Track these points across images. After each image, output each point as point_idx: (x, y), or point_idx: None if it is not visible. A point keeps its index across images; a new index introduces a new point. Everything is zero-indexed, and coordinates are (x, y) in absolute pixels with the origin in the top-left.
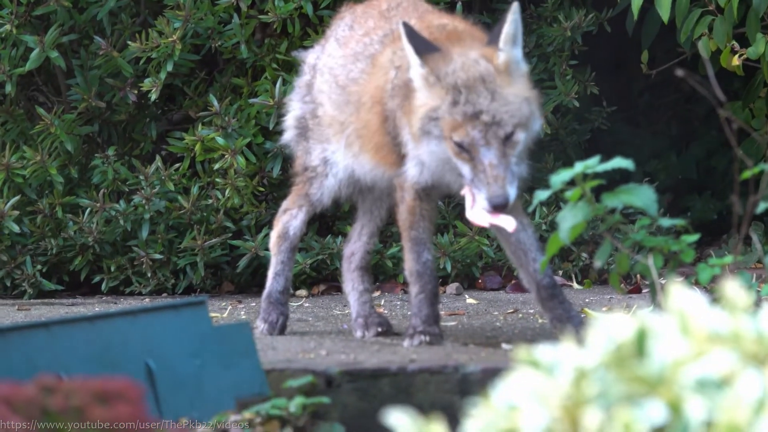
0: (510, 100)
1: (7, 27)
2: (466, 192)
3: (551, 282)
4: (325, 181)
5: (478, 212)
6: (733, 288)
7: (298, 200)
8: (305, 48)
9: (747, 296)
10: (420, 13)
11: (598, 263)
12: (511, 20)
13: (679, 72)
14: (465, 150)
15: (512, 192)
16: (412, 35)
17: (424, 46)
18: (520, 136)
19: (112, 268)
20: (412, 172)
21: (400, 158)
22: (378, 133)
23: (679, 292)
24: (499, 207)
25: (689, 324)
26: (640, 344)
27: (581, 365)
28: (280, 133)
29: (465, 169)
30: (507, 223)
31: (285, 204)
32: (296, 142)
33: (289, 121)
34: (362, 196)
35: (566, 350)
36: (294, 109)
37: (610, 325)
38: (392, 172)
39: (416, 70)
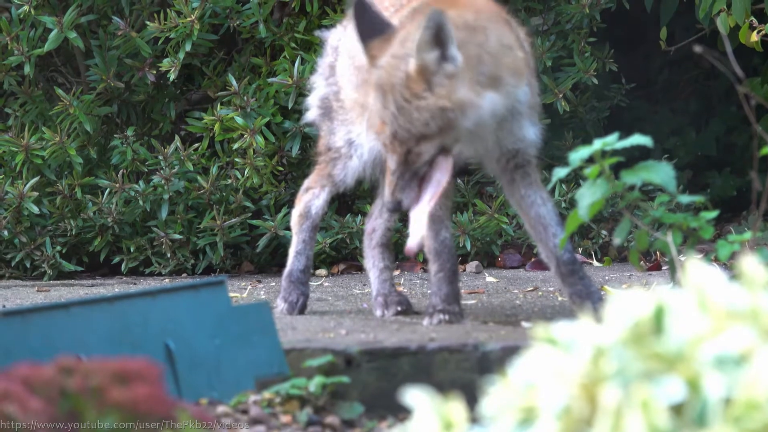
0: (414, 116)
1: (26, 8)
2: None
3: (571, 257)
4: (349, 162)
5: (416, 210)
6: (752, 264)
7: (320, 180)
8: (324, 27)
9: (766, 272)
10: None
11: (617, 240)
12: (423, 27)
13: (698, 48)
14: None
15: (403, 197)
16: (362, 15)
17: (371, 30)
18: (425, 148)
19: (132, 249)
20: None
21: None
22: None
23: (697, 269)
24: (390, 211)
25: (707, 300)
26: (658, 321)
27: (599, 343)
28: (299, 112)
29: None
30: (412, 237)
31: (307, 183)
32: (320, 121)
33: (313, 100)
34: (383, 174)
35: (584, 327)
36: (318, 88)
37: (628, 302)
38: None
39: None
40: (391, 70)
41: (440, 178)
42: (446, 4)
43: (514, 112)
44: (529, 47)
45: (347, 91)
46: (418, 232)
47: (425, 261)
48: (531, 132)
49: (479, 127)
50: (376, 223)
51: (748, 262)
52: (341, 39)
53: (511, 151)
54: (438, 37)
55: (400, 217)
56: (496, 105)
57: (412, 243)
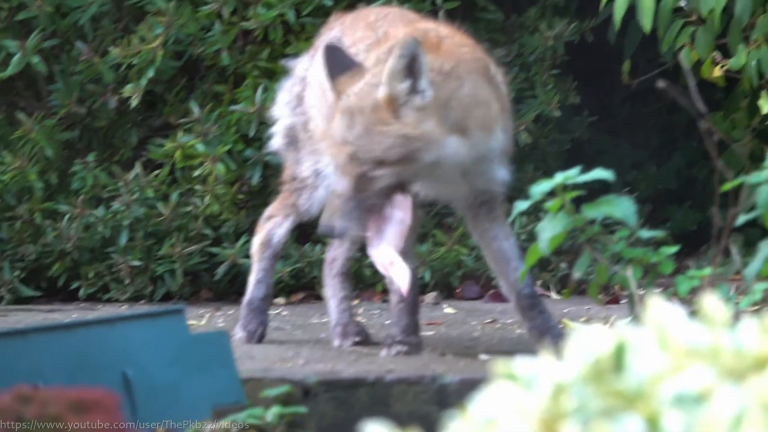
0: (378, 139)
1: None
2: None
3: (531, 291)
4: (315, 193)
5: (380, 250)
6: (712, 302)
7: (284, 209)
8: (287, 56)
9: (726, 310)
10: (406, 23)
11: (577, 274)
12: (397, 56)
13: (661, 83)
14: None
15: (340, 225)
16: (332, 55)
17: (339, 68)
18: (380, 174)
19: (91, 275)
20: None
21: None
22: None
23: (657, 306)
24: (323, 234)
25: (668, 338)
26: (618, 358)
27: (559, 379)
28: (261, 140)
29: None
30: (401, 278)
31: (269, 211)
32: (285, 151)
33: (278, 129)
34: None
35: (544, 363)
36: (284, 117)
37: (589, 338)
38: None
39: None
40: (362, 95)
41: (403, 218)
42: (428, 48)
43: (484, 159)
44: (506, 91)
45: (317, 122)
46: (404, 273)
47: (384, 291)
48: (501, 173)
49: (439, 168)
50: (336, 252)
51: (709, 300)
52: (308, 69)
53: (481, 191)
54: (410, 68)
55: (360, 246)
56: (460, 151)
57: (403, 285)
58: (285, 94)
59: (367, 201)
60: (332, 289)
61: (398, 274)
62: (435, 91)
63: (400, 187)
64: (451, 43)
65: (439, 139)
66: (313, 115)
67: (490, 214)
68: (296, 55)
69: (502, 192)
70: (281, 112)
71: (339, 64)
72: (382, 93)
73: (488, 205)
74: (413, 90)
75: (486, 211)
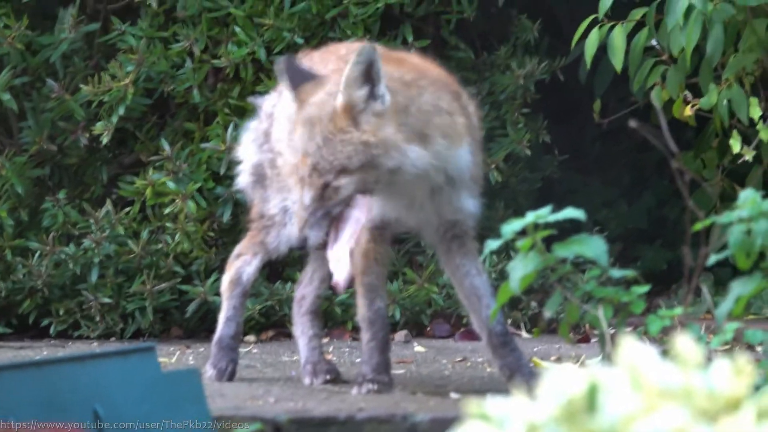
0: (338, 148)
1: None
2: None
3: (503, 329)
4: (283, 230)
5: (334, 249)
6: (684, 342)
7: (253, 247)
8: (258, 93)
9: (698, 351)
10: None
11: (548, 313)
12: (353, 62)
13: (632, 122)
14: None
15: (312, 235)
16: (291, 67)
17: (300, 78)
18: (344, 182)
19: (61, 312)
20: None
21: None
22: None
23: (630, 346)
24: (296, 248)
25: (640, 378)
26: (591, 398)
27: (532, 419)
28: (232, 178)
29: None
30: (340, 274)
31: (238, 249)
32: (253, 189)
33: (245, 167)
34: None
35: (517, 403)
36: (250, 155)
37: (561, 378)
38: None
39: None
40: (322, 105)
41: (359, 217)
42: (391, 62)
43: (452, 180)
44: (477, 123)
45: (286, 156)
46: (344, 268)
47: (354, 329)
48: (470, 204)
49: (401, 176)
50: (305, 290)
51: (681, 340)
52: (276, 105)
53: (450, 221)
54: (368, 74)
55: (328, 285)
56: (421, 159)
57: (340, 279)
58: (251, 132)
59: (334, 208)
60: (302, 327)
61: (340, 270)
62: (393, 97)
63: (365, 192)
64: (417, 62)
65: (400, 145)
66: (282, 149)
67: (461, 249)
68: (267, 92)
69: (473, 226)
70: (247, 150)
71: (299, 75)
72: (339, 101)
73: (460, 239)
74: (371, 96)
75: (457, 246)
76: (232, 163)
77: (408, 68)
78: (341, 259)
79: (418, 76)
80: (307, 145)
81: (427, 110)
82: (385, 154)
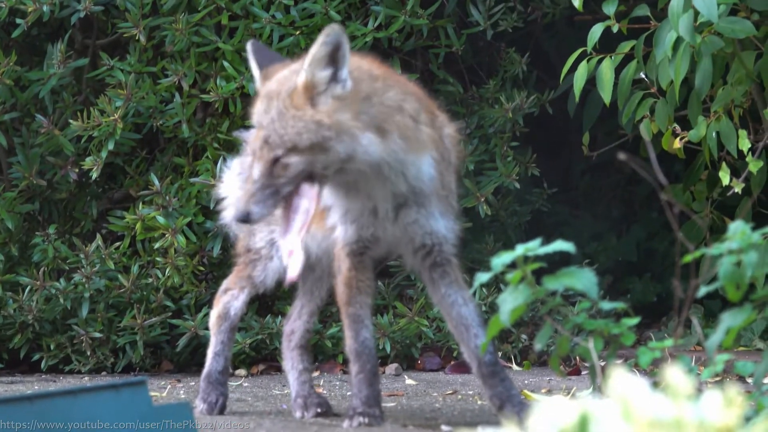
0: (290, 123)
1: None
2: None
3: (493, 359)
4: (270, 264)
5: (286, 240)
6: (675, 374)
7: (239, 281)
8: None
9: (689, 382)
10: None
11: (538, 346)
12: (320, 42)
13: (621, 155)
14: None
15: (255, 210)
16: (259, 51)
17: (268, 61)
18: (292, 160)
19: (52, 347)
20: (338, 230)
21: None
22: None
23: (620, 378)
24: (239, 220)
25: (631, 410)
26: (582, 430)
27: None
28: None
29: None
30: (291, 267)
31: (226, 283)
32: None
33: (231, 201)
34: (303, 276)
35: None
36: (235, 189)
37: (552, 409)
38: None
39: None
40: (283, 81)
41: (308, 207)
42: (369, 61)
43: (415, 192)
44: (452, 145)
45: None
46: (297, 261)
47: (345, 362)
48: (441, 225)
49: (353, 164)
50: (295, 324)
51: (672, 373)
52: None
53: (424, 246)
54: (333, 56)
55: (320, 318)
56: (374, 149)
57: (292, 274)
58: (235, 167)
59: (282, 187)
60: (291, 361)
61: (293, 262)
62: (357, 84)
63: (314, 176)
64: (399, 77)
65: (353, 132)
66: None
67: (444, 278)
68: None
69: (452, 253)
70: (231, 185)
71: (267, 57)
72: (301, 78)
73: (441, 268)
74: (334, 78)
75: (440, 276)
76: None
77: (383, 69)
78: (294, 252)
79: (388, 76)
80: (262, 118)
81: (390, 105)
82: (336, 138)
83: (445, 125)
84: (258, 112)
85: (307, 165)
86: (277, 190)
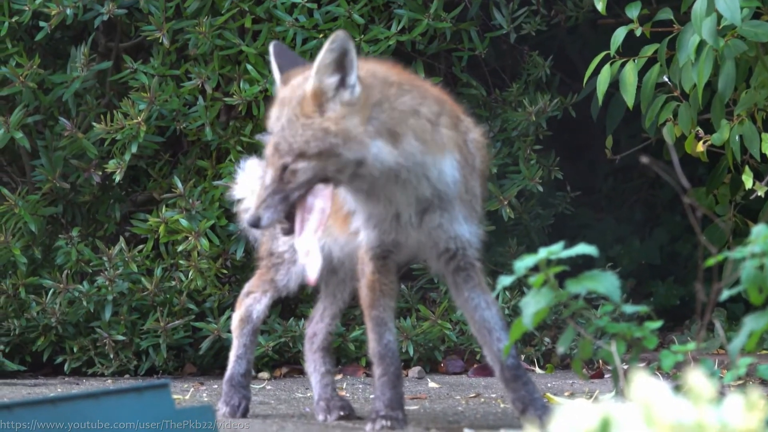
0: (299, 132)
1: None
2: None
3: (515, 363)
4: (293, 268)
5: (301, 239)
6: (697, 377)
7: (262, 285)
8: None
9: (711, 386)
10: None
11: (561, 349)
12: (327, 49)
13: (644, 158)
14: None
15: (265, 215)
16: (281, 53)
17: (289, 65)
18: (300, 167)
19: (75, 349)
20: (362, 234)
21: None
22: (342, 207)
23: (643, 381)
24: (250, 225)
25: (653, 414)
26: None
27: None
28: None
29: None
30: (309, 267)
31: (248, 287)
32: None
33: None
34: (326, 279)
35: None
36: (253, 191)
37: (574, 413)
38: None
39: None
40: (295, 88)
41: (323, 207)
42: (386, 67)
43: (440, 195)
44: (476, 150)
45: None
46: (315, 262)
47: (368, 365)
48: (465, 230)
49: (367, 169)
50: (317, 327)
51: (695, 376)
52: None
53: (448, 250)
54: (340, 62)
55: (343, 321)
56: (387, 156)
57: (311, 275)
58: (251, 168)
59: (292, 193)
60: (314, 364)
61: (311, 263)
62: (367, 90)
63: (327, 180)
64: (421, 82)
65: (362, 139)
66: None
67: (468, 282)
68: None
69: (476, 257)
70: (246, 186)
71: (289, 60)
72: (309, 85)
73: (465, 272)
74: (342, 85)
75: (463, 280)
76: None
77: (401, 74)
78: (311, 251)
79: (405, 81)
80: (274, 125)
81: (403, 110)
82: (344, 145)
83: (470, 130)
84: (271, 118)
85: (317, 171)
86: (287, 196)
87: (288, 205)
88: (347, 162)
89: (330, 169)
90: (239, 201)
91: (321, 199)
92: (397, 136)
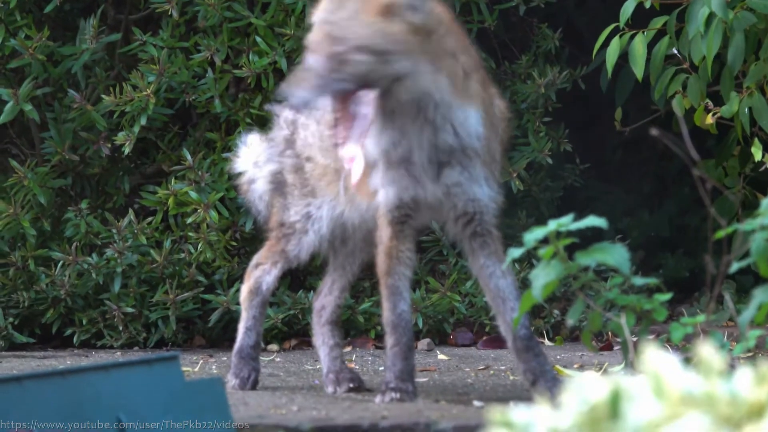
0: (364, 25)
1: None
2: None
3: (528, 334)
4: (304, 238)
5: (347, 148)
6: (707, 350)
7: (272, 256)
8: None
9: (720, 358)
10: None
11: (570, 321)
12: None
13: (653, 130)
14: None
15: (301, 97)
16: None
17: None
18: (355, 58)
19: (84, 322)
20: (380, 194)
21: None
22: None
23: (652, 353)
24: (284, 99)
25: (663, 386)
26: (614, 406)
27: (555, 427)
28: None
29: None
30: (354, 172)
31: (257, 258)
32: (270, 197)
33: (262, 175)
34: (335, 250)
35: (540, 411)
36: (268, 164)
37: (584, 385)
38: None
39: None
40: None
41: (365, 113)
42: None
43: (462, 142)
44: (499, 112)
45: (317, 159)
46: (359, 167)
47: (377, 337)
48: (485, 193)
49: (402, 88)
50: (326, 300)
51: (705, 348)
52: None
53: (466, 213)
54: None
55: (353, 293)
56: (425, 80)
57: (355, 179)
58: (271, 141)
59: (334, 84)
60: (322, 337)
61: (355, 168)
62: (424, 21)
63: (365, 86)
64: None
65: (414, 56)
66: (312, 153)
67: (484, 249)
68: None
69: (493, 224)
70: (263, 158)
71: None
72: None
73: (482, 238)
74: (410, 6)
75: (479, 246)
76: None
77: (451, 19)
78: (356, 158)
79: (454, 27)
80: (330, 16)
81: (445, 49)
82: (398, 54)
83: (496, 98)
84: (325, 9)
85: (366, 68)
86: (327, 84)
87: (324, 94)
88: (393, 71)
89: (375, 72)
90: (241, 174)
91: (364, 105)
92: (436, 68)
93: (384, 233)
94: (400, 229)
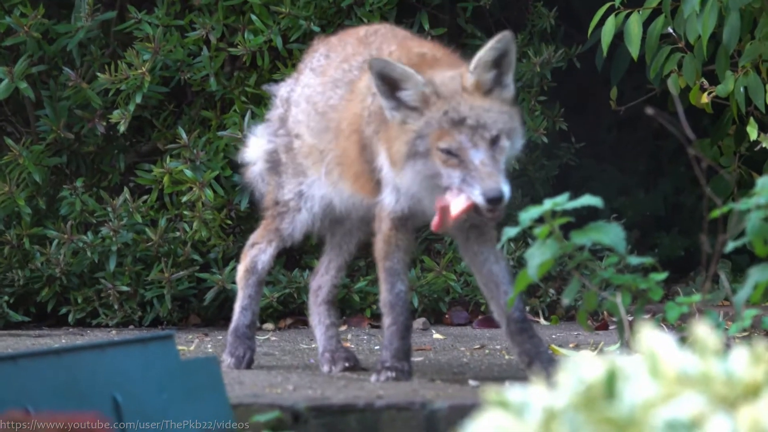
0: (488, 107)
1: None
2: (447, 195)
3: (521, 316)
4: (297, 216)
5: (455, 201)
6: (703, 329)
7: (267, 235)
8: (274, 81)
9: (716, 338)
10: (399, 40)
11: (566, 300)
12: (488, 48)
13: (649, 109)
14: (453, 155)
15: (506, 189)
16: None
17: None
18: (506, 143)
19: (79, 300)
20: (388, 200)
21: (377, 186)
22: (356, 162)
23: (648, 333)
24: (494, 201)
25: (659, 365)
26: (609, 385)
27: (551, 406)
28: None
29: (455, 174)
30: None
31: (253, 237)
32: (267, 176)
33: (256, 154)
34: (332, 230)
35: (536, 391)
36: (263, 142)
37: (580, 365)
38: (370, 201)
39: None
40: (451, 83)
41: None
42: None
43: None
44: None
45: (305, 138)
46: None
47: (373, 317)
48: None
49: (515, 152)
50: (322, 280)
51: (700, 328)
52: (293, 90)
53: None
54: (499, 61)
55: (349, 272)
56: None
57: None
58: (267, 120)
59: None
60: (318, 317)
61: (456, 203)
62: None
63: None
64: (446, 62)
65: (520, 132)
66: (301, 131)
67: (479, 237)
68: (283, 80)
69: None
70: (259, 137)
71: None
72: (470, 80)
73: (478, 228)
74: (498, 82)
75: (475, 235)
76: None
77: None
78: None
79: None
80: (460, 111)
81: None
82: (516, 130)
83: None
84: (457, 107)
85: (510, 151)
86: (501, 167)
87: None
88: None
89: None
90: (249, 164)
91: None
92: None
93: (384, 225)
94: (402, 224)
